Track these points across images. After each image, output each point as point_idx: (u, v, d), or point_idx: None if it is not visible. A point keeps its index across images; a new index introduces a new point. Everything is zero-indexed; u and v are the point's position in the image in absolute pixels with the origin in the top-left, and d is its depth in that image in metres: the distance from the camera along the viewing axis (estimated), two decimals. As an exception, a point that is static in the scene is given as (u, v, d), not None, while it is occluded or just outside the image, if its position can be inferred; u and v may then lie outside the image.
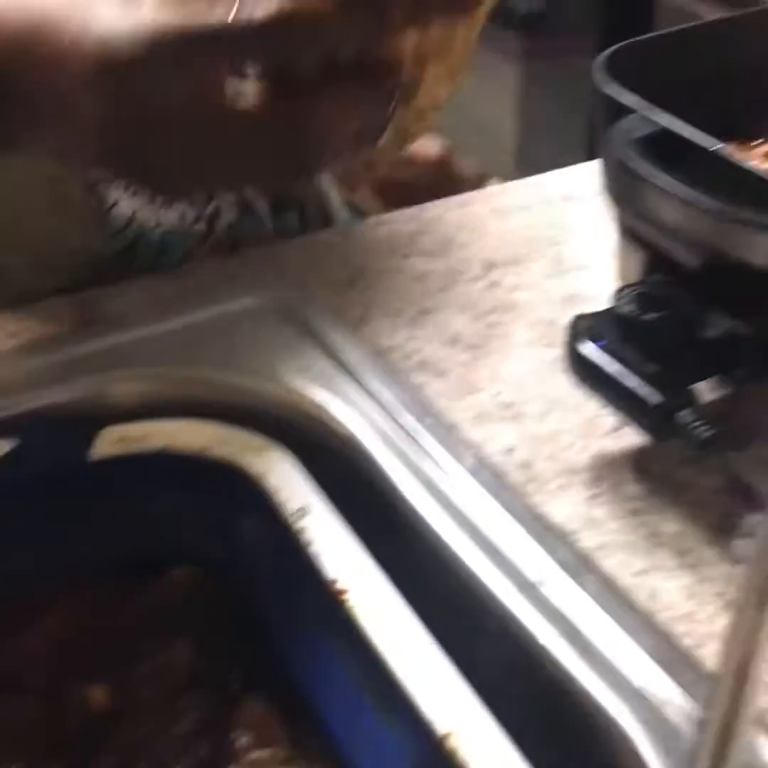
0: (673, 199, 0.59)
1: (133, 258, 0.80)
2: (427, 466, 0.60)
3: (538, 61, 1.76)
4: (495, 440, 0.62)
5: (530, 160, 1.79)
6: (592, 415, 0.63)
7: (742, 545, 0.54)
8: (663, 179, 0.60)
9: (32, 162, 0.72)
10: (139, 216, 0.79)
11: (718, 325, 0.59)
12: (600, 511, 0.57)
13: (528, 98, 1.82)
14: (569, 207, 0.83)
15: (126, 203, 0.78)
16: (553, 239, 0.79)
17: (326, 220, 0.90)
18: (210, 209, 0.82)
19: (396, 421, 0.62)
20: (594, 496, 0.58)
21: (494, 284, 0.75)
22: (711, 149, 0.63)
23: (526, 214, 0.82)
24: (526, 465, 0.60)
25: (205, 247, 0.82)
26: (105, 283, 0.76)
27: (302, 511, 0.59)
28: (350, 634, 0.54)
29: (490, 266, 0.76)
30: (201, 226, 0.82)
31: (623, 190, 0.63)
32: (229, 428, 0.63)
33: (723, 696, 0.35)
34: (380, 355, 0.68)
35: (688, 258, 0.61)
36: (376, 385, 0.65)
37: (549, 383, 0.65)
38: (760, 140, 0.71)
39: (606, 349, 0.58)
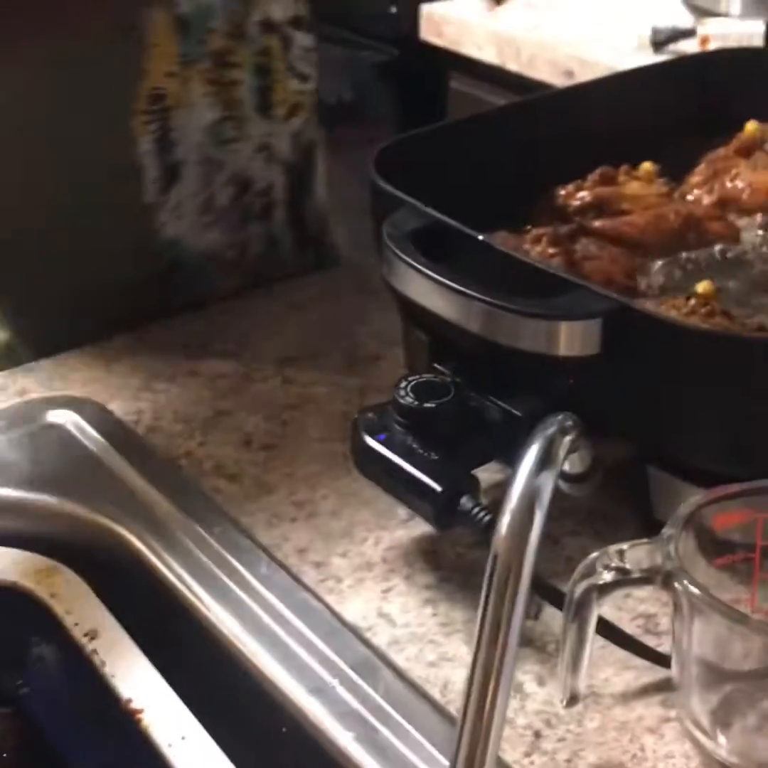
0: (441, 289, 0.60)
1: (172, 280, 0.84)
2: (220, 575, 0.59)
3: (346, 150, 1.80)
4: (289, 541, 0.61)
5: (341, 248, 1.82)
6: (385, 507, 0.63)
7: (528, 626, 0.55)
8: (431, 270, 0.61)
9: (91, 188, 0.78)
10: (181, 239, 0.83)
11: (495, 409, 0.60)
12: (393, 605, 0.57)
13: (335, 187, 1.84)
14: (362, 299, 0.84)
15: (171, 227, 0.82)
16: (347, 331, 0.80)
17: (336, 260, 0.94)
18: (241, 237, 0.87)
19: (187, 532, 0.61)
20: (387, 590, 0.58)
21: (289, 381, 0.75)
22: (479, 239, 0.65)
23: (320, 308, 0.83)
24: (319, 564, 0.60)
25: (234, 276, 0.87)
26: (143, 316, 0.81)
27: (93, 633, 0.57)
28: (148, 753, 0.53)
29: (284, 362, 0.77)
30: (233, 254, 0.87)
31: (398, 281, 0.64)
32: (17, 552, 0.61)
33: (467, 731, 0.34)
34: (172, 464, 0.67)
35: (463, 345, 0.63)
36: (168, 497, 0.64)
37: (343, 478, 0.65)
38: (528, 226, 0.74)
39: (387, 441, 0.59)
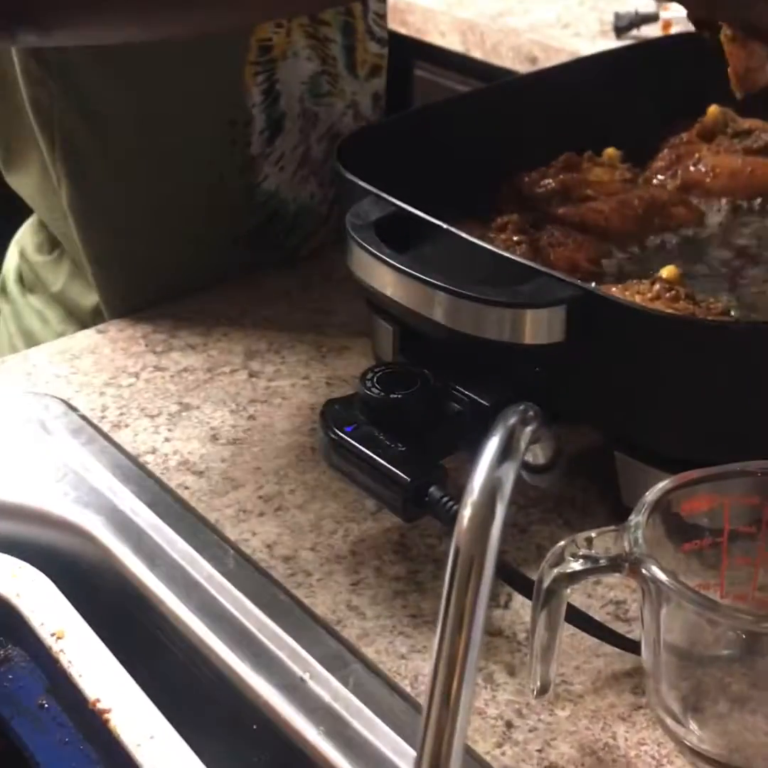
0: (405, 279, 0.60)
1: (269, 233, 0.86)
2: (188, 572, 0.58)
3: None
4: (257, 536, 0.61)
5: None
6: (353, 499, 0.63)
7: (498, 616, 0.55)
8: (394, 260, 0.61)
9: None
10: (281, 191, 0.85)
11: (462, 399, 0.60)
12: (363, 598, 0.57)
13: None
14: (328, 290, 0.83)
15: (272, 179, 0.84)
16: (313, 323, 0.80)
17: None
18: (332, 194, 0.88)
19: (154, 529, 0.61)
20: (357, 583, 0.58)
21: (255, 374, 0.74)
22: (442, 227, 0.64)
23: (287, 300, 0.83)
24: (288, 558, 0.59)
25: (322, 231, 0.89)
26: (238, 270, 0.83)
27: (60, 633, 0.56)
28: (116, 753, 0.52)
29: (251, 355, 0.76)
30: (323, 209, 0.89)
31: (362, 271, 0.63)
32: (-19, 553, 0.61)
33: (432, 724, 0.34)
34: (138, 460, 0.66)
35: (429, 335, 0.63)
36: (134, 494, 0.63)
37: (311, 471, 0.65)
38: (492, 215, 0.74)
39: (354, 433, 0.58)
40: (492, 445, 0.33)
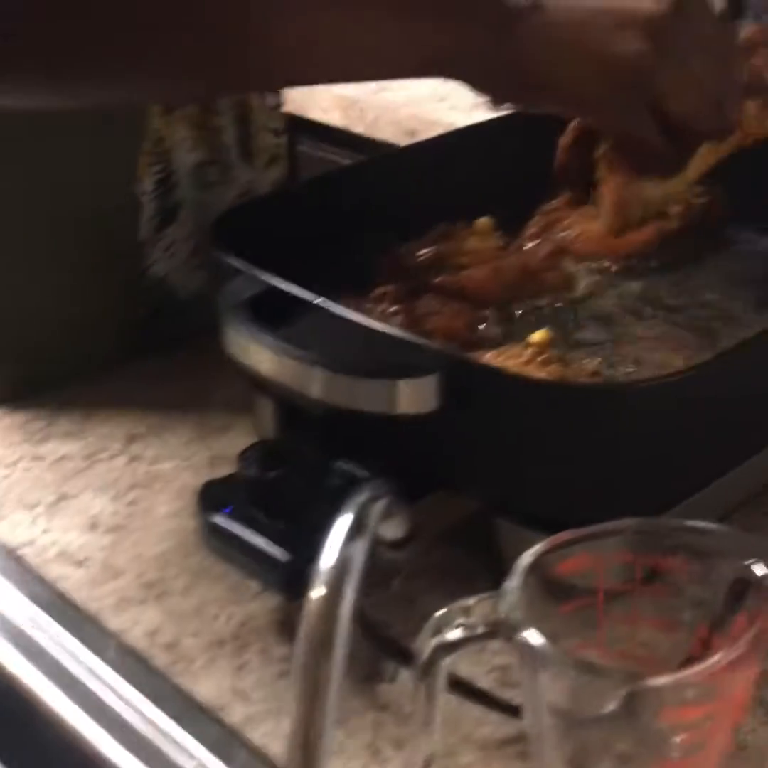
0: (277, 355, 0.60)
1: (159, 320, 0.85)
2: (69, 666, 0.57)
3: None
4: (139, 624, 0.59)
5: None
6: (237, 581, 0.62)
7: (386, 690, 0.54)
8: (265, 337, 0.61)
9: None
10: (170, 278, 0.85)
11: (342, 472, 0.59)
12: (247, 681, 0.56)
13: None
14: (211, 367, 0.82)
15: (161, 265, 0.85)
16: (196, 403, 0.79)
17: None
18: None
19: (33, 624, 0.59)
20: (241, 666, 0.57)
21: (136, 458, 0.73)
22: (313, 302, 0.65)
23: (169, 382, 0.82)
24: (171, 645, 0.58)
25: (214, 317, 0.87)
26: (126, 355, 0.82)
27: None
28: None
29: (131, 439, 0.75)
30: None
31: (235, 349, 0.63)
32: None
33: None
34: (16, 553, 0.65)
35: (306, 410, 0.63)
36: (12, 588, 0.62)
37: (194, 555, 0.64)
38: (372, 287, 0.74)
39: (233, 514, 0.58)
40: (341, 524, 0.33)
